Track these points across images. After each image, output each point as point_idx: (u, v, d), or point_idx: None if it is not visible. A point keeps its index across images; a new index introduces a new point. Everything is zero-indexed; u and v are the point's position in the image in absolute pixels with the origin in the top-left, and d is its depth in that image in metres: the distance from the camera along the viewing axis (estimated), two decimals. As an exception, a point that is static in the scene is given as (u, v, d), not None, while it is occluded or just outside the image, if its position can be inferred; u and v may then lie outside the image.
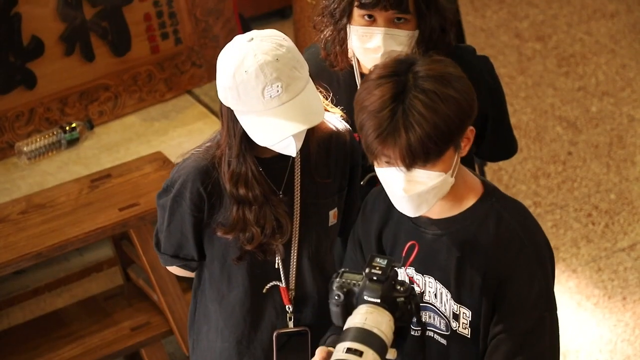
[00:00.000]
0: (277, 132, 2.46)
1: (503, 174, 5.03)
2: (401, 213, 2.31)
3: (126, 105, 4.08)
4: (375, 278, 2.19)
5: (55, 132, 3.89)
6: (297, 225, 2.68)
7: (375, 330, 2.14)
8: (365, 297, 2.19)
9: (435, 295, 2.36)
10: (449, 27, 2.87)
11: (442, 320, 2.37)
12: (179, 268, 2.82)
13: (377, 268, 2.20)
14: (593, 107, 5.46)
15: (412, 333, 2.41)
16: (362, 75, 2.91)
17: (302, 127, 2.46)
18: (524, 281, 2.27)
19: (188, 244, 2.71)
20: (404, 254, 2.31)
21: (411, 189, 2.20)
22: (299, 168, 2.67)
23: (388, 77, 2.14)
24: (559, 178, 5.01)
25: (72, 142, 3.91)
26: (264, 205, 2.60)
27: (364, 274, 2.21)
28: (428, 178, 2.18)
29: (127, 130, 4.02)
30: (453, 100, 2.12)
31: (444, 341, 2.39)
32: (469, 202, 2.31)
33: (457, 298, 2.32)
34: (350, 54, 2.91)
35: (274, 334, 2.77)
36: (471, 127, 2.22)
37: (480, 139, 3.04)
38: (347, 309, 2.22)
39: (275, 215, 2.62)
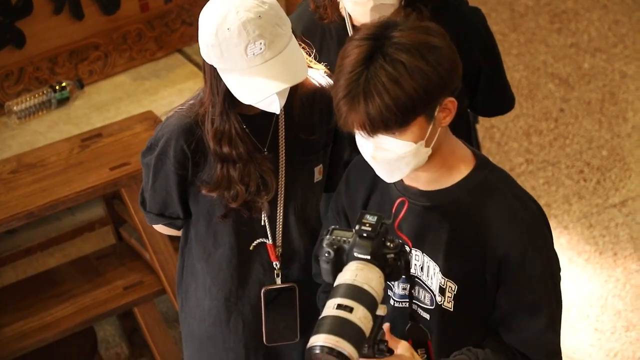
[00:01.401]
0: (261, 90, 2.45)
1: (495, 132, 5.03)
2: (387, 183, 2.30)
3: (116, 64, 4.06)
4: (365, 235, 2.18)
5: (45, 92, 3.87)
6: (283, 182, 2.68)
7: (365, 287, 2.13)
8: (356, 254, 2.19)
9: (422, 268, 2.33)
10: None
11: (427, 295, 2.35)
12: (165, 227, 2.83)
13: (367, 225, 2.19)
14: (585, 64, 5.45)
15: (398, 305, 2.40)
16: (353, 27, 2.90)
17: (285, 85, 2.45)
18: (526, 257, 2.23)
19: (173, 202, 2.72)
20: (393, 211, 2.29)
21: (379, 156, 2.17)
22: (283, 125, 2.66)
23: (365, 40, 2.11)
24: (551, 135, 5.01)
25: (62, 102, 3.90)
26: (248, 163, 2.60)
27: (354, 230, 2.21)
28: (396, 146, 2.14)
29: (118, 90, 4.00)
30: (421, 73, 2.07)
31: (427, 315, 2.37)
32: (461, 173, 2.27)
33: (446, 271, 2.29)
34: (340, 6, 2.89)
35: (262, 291, 2.78)
36: (451, 99, 2.16)
37: (474, 92, 3.04)
38: (337, 266, 2.21)
39: (260, 172, 2.62)
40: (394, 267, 2.21)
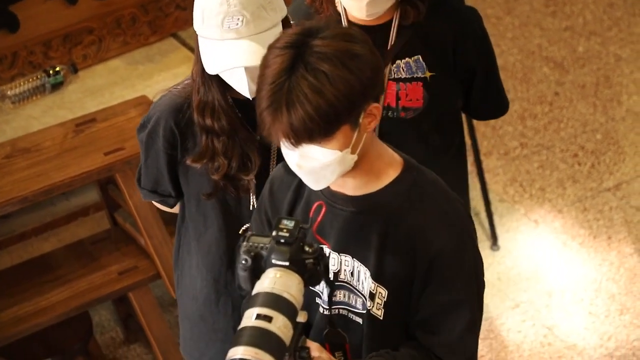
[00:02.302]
0: (221, 62, 2.45)
1: (489, 115, 5.03)
2: (312, 190, 2.27)
3: (110, 48, 4.06)
4: (282, 240, 2.14)
5: (39, 76, 3.87)
6: (274, 167, 2.68)
7: (284, 295, 2.09)
8: (274, 261, 2.14)
9: (352, 273, 2.31)
10: None
11: (358, 299, 2.33)
12: (159, 204, 2.85)
13: (285, 230, 2.15)
14: (580, 47, 5.45)
15: (322, 312, 2.37)
16: (349, 22, 2.90)
17: (247, 64, 2.44)
18: (454, 258, 2.21)
19: (164, 180, 2.73)
20: (311, 215, 2.26)
21: (304, 165, 2.14)
22: None
23: (286, 49, 2.06)
24: (546, 119, 5.01)
25: (57, 86, 3.90)
26: (232, 137, 2.59)
27: (271, 236, 2.16)
28: (321, 155, 2.11)
29: (112, 74, 4.00)
30: (343, 82, 2.03)
31: (359, 320, 2.34)
32: (389, 177, 2.24)
33: (376, 276, 2.27)
34: (337, 1, 2.89)
35: None
36: (375, 104, 2.12)
37: (468, 94, 3.03)
38: (256, 273, 2.17)
39: (244, 149, 2.61)
40: (313, 271, 2.17)
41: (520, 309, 4.15)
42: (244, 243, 2.19)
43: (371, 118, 2.13)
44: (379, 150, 2.24)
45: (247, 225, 2.72)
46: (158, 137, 2.66)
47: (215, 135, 2.60)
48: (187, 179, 2.72)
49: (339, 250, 2.30)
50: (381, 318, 2.29)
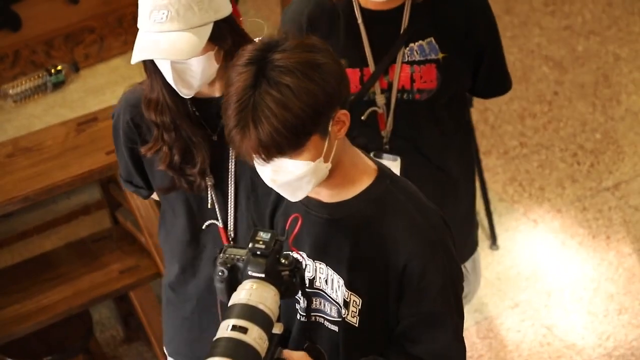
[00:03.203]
0: (138, 53, 2.47)
1: (489, 115, 5.05)
2: None
3: (111, 47, 4.07)
4: (259, 253, 2.16)
5: (40, 75, 3.88)
6: (232, 166, 2.70)
7: (260, 306, 2.11)
8: (250, 272, 2.16)
9: (326, 281, 2.31)
10: None
11: (333, 307, 2.33)
12: (135, 194, 2.91)
13: (261, 242, 2.16)
14: (579, 46, 5.46)
15: (299, 318, 2.38)
16: (361, 9, 2.94)
17: (157, 56, 2.45)
18: (427, 268, 2.21)
19: (132, 173, 2.79)
20: (287, 227, 2.26)
21: (279, 179, 2.14)
22: None
23: (247, 65, 2.06)
24: (545, 118, 5.02)
25: (58, 85, 3.91)
26: (177, 131, 2.61)
27: (247, 248, 2.18)
28: (295, 167, 2.11)
29: (113, 73, 4.01)
30: (307, 93, 2.03)
31: (335, 328, 2.35)
32: (362, 185, 2.24)
33: (349, 285, 2.27)
34: None
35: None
36: (343, 111, 2.13)
37: (475, 73, 3.07)
38: (232, 285, 2.19)
39: (189, 144, 2.63)
40: (289, 283, 2.19)
41: (519, 308, 4.16)
42: (221, 255, 2.21)
43: (340, 125, 2.13)
44: (352, 158, 2.24)
45: (210, 222, 2.76)
46: (119, 132, 2.72)
47: (164, 130, 2.62)
48: (153, 173, 2.76)
49: (314, 257, 2.31)
50: (357, 325, 2.30)
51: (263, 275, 2.15)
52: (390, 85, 2.98)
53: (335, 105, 2.10)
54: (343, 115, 2.13)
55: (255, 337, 2.08)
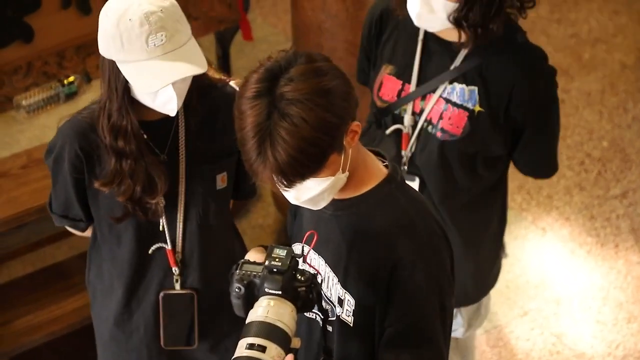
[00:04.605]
0: (159, 79, 2.48)
1: (496, 122, 5.06)
2: None
3: (123, 58, 4.07)
4: (275, 270, 2.18)
5: (53, 86, 3.90)
6: (183, 188, 2.72)
7: (278, 324, 2.14)
8: (267, 289, 2.19)
9: (323, 279, 2.34)
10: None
11: (327, 306, 2.35)
12: (71, 229, 2.88)
13: (277, 259, 2.19)
14: (585, 54, 5.48)
15: (309, 315, 2.41)
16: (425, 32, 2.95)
17: (184, 74, 2.48)
18: (416, 269, 2.22)
19: (73, 205, 2.76)
20: (303, 242, 2.31)
21: (302, 197, 2.18)
22: (183, 131, 2.70)
23: (256, 99, 2.08)
24: (552, 126, 5.03)
25: (70, 96, 3.92)
26: (139, 160, 2.62)
27: (263, 265, 2.21)
28: (316, 184, 2.15)
29: (125, 84, 4.02)
30: (320, 121, 2.06)
31: (329, 327, 2.37)
32: (369, 186, 2.27)
33: (344, 283, 2.30)
34: None
35: (160, 295, 2.82)
36: (355, 123, 2.15)
37: (514, 145, 3.00)
38: (249, 301, 2.21)
39: (149, 172, 2.64)
40: (306, 299, 2.21)
41: (528, 316, 4.18)
42: (237, 271, 2.23)
43: (353, 134, 2.16)
44: (364, 159, 2.27)
45: (157, 245, 2.77)
46: (64, 162, 2.69)
47: (124, 158, 2.62)
48: (98, 202, 2.75)
49: (319, 252, 2.34)
50: (351, 325, 2.32)
51: (280, 292, 2.18)
52: (422, 111, 2.97)
53: (347, 122, 2.13)
54: (355, 126, 2.16)
55: (274, 355, 2.10)
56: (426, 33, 2.94)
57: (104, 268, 2.87)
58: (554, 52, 5.49)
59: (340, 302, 2.31)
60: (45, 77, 3.93)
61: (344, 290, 2.30)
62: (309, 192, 2.16)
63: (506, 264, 4.39)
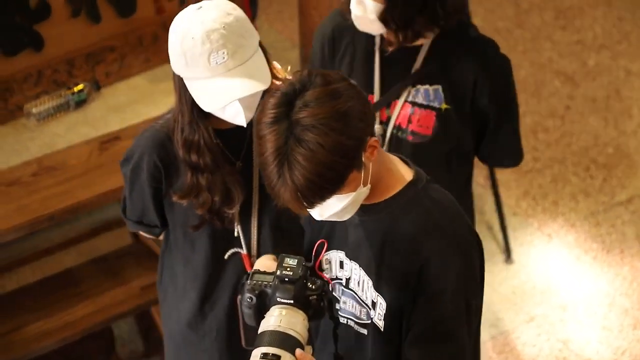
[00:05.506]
0: (221, 97, 2.50)
1: (502, 129, 5.08)
2: None
3: (132, 66, 4.10)
4: (287, 279, 2.21)
5: (63, 94, 3.92)
6: (257, 193, 2.74)
7: (290, 332, 2.16)
8: (278, 299, 2.22)
9: (358, 282, 2.37)
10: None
11: (362, 309, 2.38)
12: (146, 233, 2.92)
13: (288, 269, 2.22)
14: (590, 61, 5.50)
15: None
16: (381, 37, 2.99)
17: (246, 93, 2.50)
18: (442, 270, 2.25)
19: (149, 212, 2.80)
20: (313, 252, 2.36)
21: (325, 213, 2.21)
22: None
23: (273, 124, 2.11)
24: (557, 132, 5.06)
25: (80, 104, 3.95)
26: (215, 172, 2.65)
27: (275, 275, 2.24)
28: (339, 201, 2.18)
29: (134, 91, 4.05)
30: (337, 145, 2.08)
31: (364, 330, 2.40)
32: (394, 190, 2.30)
33: (376, 286, 2.33)
34: None
35: (237, 299, 2.84)
36: (374, 138, 2.18)
37: (480, 136, 3.05)
38: (260, 311, 2.24)
39: (226, 183, 2.67)
40: (317, 307, 2.24)
41: (535, 322, 4.20)
42: (248, 281, 2.27)
43: (371, 150, 2.19)
44: (388, 167, 2.30)
45: (233, 250, 2.80)
46: (142, 172, 2.72)
47: (200, 172, 2.65)
48: (173, 210, 2.78)
49: (351, 257, 2.37)
50: (382, 329, 2.35)
51: (292, 301, 2.21)
52: (389, 118, 3.00)
53: (365, 139, 2.16)
54: (374, 141, 2.18)
55: None
56: (382, 42, 2.98)
57: (177, 271, 2.90)
58: (559, 58, 5.52)
59: (374, 305, 2.35)
60: (55, 85, 3.95)
61: (377, 294, 2.33)
62: (332, 209, 2.20)
63: (512, 270, 4.42)
